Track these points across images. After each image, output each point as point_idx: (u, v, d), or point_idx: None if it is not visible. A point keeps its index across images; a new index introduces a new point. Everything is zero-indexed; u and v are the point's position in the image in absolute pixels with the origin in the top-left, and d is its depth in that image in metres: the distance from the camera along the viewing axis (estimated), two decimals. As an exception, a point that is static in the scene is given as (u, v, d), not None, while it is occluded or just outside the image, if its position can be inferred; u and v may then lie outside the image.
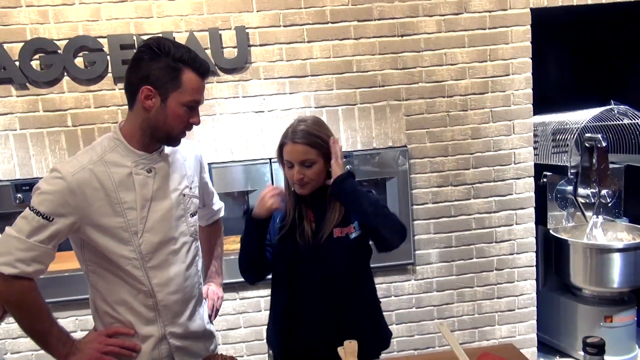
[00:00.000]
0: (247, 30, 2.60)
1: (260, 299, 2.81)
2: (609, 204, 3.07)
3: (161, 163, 1.48)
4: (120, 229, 1.40)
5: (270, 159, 2.69)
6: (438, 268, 2.89)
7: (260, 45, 2.63)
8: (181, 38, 2.55)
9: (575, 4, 2.76)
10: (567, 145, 3.18)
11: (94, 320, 1.55)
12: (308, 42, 2.65)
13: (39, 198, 1.33)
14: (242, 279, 2.69)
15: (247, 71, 2.64)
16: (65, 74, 2.54)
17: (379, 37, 2.69)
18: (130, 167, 1.42)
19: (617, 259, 2.86)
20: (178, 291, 1.50)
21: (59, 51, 2.50)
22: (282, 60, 2.65)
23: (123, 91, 2.55)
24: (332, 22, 2.65)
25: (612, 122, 3.01)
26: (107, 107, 2.59)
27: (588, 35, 3.50)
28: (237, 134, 2.68)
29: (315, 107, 2.70)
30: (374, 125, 2.74)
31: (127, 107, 2.61)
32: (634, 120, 2.90)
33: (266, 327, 1.89)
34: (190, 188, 1.57)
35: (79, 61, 2.53)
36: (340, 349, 1.50)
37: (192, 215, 1.57)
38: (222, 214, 1.91)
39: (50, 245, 1.35)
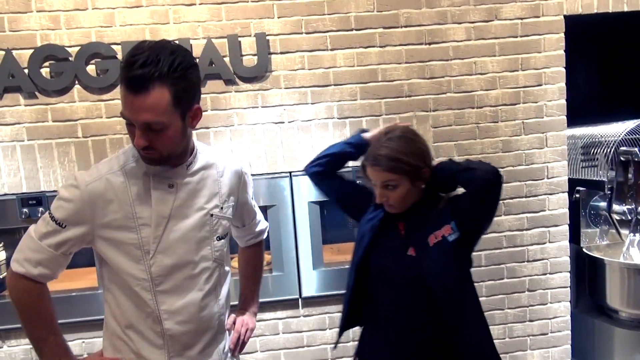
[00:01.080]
0: (267, 37, 2.47)
1: (278, 321, 2.65)
2: (647, 221, 2.91)
3: (187, 178, 1.34)
4: (132, 245, 1.29)
5: (290, 173, 2.55)
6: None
7: (281, 53, 2.50)
8: (199, 45, 2.42)
9: (611, 11, 2.64)
10: (597, 159, 3.03)
11: (103, 339, 1.42)
12: (331, 49, 2.53)
13: (57, 203, 1.29)
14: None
15: (267, 80, 2.51)
16: (77, 82, 2.42)
17: (405, 45, 2.56)
18: (149, 180, 1.30)
19: (657, 280, 2.69)
20: (189, 321, 1.35)
21: (70, 58, 2.38)
22: (304, 69, 2.52)
23: None
24: (357, 29, 2.53)
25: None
26: (120, 117, 2.45)
27: (620, 44, 3.38)
28: (256, 146, 2.54)
29: (338, 118, 2.57)
30: (399, 137, 2.60)
31: None
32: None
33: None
34: (222, 208, 1.40)
35: (91, 69, 2.40)
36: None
37: (220, 238, 1.41)
38: (265, 235, 1.74)
39: (58, 251, 1.28)
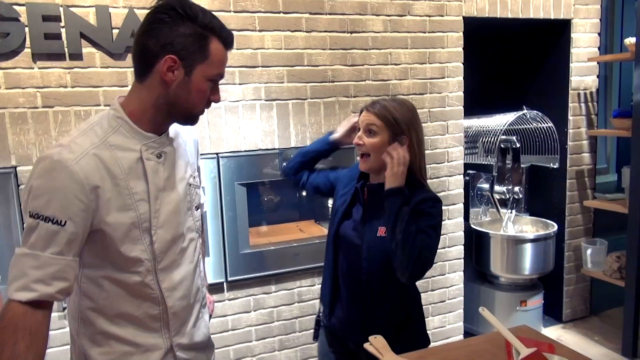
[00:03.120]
0: (194, 13, 2.37)
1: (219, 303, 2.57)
2: (520, 199, 3.41)
3: (169, 147, 1.28)
4: (132, 225, 1.18)
5: (217, 154, 2.49)
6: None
7: (209, 30, 2.42)
8: (118, 14, 2.24)
9: (498, 16, 3.03)
10: (477, 147, 3.47)
11: (79, 338, 1.26)
12: (259, 30, 2.52)
13: (41, 200, 1.08)
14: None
15: (193, 57, 2.41)
16: (-32, 45, 2.08)
17: (330, 31, 2.65)
18: (138, 151, 1.20)
19: (529, 249, 3.19)
20: (186, 296, 1.32)
21: (-41, 16, 2.03)
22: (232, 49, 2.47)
23: (42, 71, 2.20)
24: (285, 12, 2.55)
25: (522, 126, 3.35)
26: (23, 88, 2.16)
27: (501, 46, 3.87)
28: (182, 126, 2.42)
29: (265, 100, 2.57)
30: (323, 121, 2.69)
31: (47, 89, 2.24)
32: (544, 124, 3.26)
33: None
34: (194, 177, 1.39)
35: (-14, 31, 2.08)
36: (367, 346, 1.43)
37: (197, 208, 1.40)
38: (205, 208, 1.72)
39: (70, 255, 1.11)
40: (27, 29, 2.13)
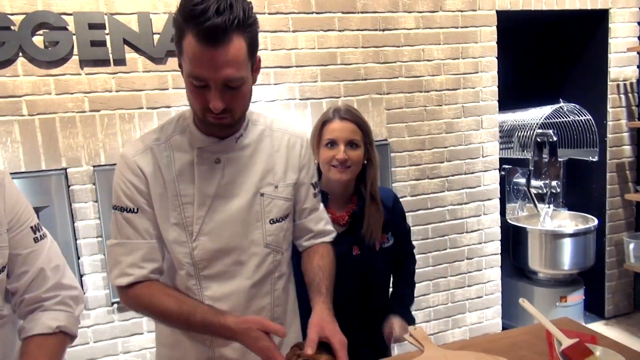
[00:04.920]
0: (230, 16, 2.45)
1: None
2: (558, 194, 3.36)
3: (236, 153, 1.19)
4: (177, 225, 1.18)
5: (254, 153, 2.55)
6: (416, 260, 2.94)
7: (244, 32, 2.49)
8: (159, 20, 2.33)
9: (532, 9, 3.00)
10: (512, 141, 3.43)
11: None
12: (293, 31, 2.57)
13: (116, 193, 1.19)
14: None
15: (230, 59, 2.48)
16: (21, 54, 2.19)
17: (362, 30, 2.68)
18: (193, 154, 1.17)
19: (568, 244, 3.14)
20: (235, 311, 1.20)
21: (13, 27, 2.15)
22: (267, 50, 2.53)
23: (89, 76, 2.31)
24: (317, 13, 2.60)
25: (559, 120, 3.30)
26: (72, 94, 2.28)
27: (536, 39, 3.82)
28: (219, 126, 2.50)
29: (300, 99, 2.62)
30: (357, 118, 2.72)
31: (93, 94, 2.36)
32: (582, 117, 3.20)
33: None
34: (276, 187, 1.24)
35: (38, 40, 2.20)
36: (408, 337, 1.46)
37: (274, 221, 1.24)
38: (332, 237, 1.42)
39: (153, 239, 1.18)
40: (74, 37, 2.24)
